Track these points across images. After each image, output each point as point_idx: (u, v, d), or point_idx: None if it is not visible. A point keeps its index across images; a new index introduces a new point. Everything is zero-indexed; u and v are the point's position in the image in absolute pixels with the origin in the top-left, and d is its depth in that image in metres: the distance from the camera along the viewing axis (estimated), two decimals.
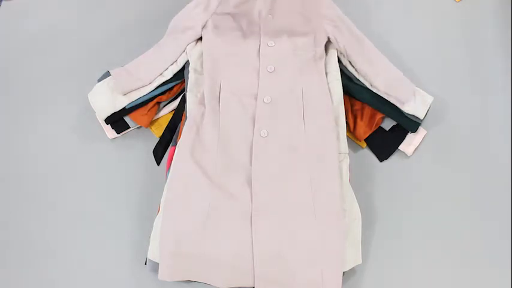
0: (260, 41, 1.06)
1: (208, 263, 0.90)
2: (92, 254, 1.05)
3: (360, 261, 0.94)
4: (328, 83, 1.06)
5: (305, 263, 0.90)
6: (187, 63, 1.07)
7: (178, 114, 1.11)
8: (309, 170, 0.95)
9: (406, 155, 1.13)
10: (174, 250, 0.90)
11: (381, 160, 1.13)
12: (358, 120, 1.11)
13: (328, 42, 1.12)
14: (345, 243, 0.93)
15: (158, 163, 1.12)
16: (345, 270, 0.93)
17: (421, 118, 1.07)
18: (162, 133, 1.12)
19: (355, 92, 1.09)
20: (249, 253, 0.90)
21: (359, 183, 1.07)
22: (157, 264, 0.94)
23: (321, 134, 0.98)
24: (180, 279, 0.91)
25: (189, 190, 0.94)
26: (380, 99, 1.08)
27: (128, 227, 1.07)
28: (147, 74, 1.08)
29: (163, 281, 1.01)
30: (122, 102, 1.08)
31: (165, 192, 0.97)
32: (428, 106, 1.08)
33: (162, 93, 1.11)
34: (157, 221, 0.96)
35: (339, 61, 1.08)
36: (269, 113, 1.00)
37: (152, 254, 0.94)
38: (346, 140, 1.02)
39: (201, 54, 1.04)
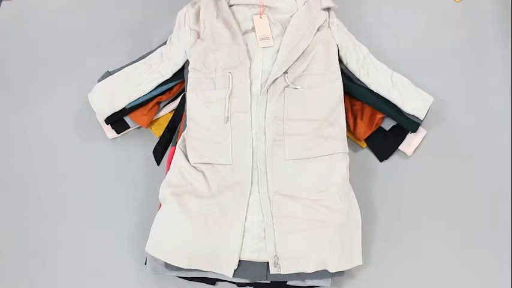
0: None
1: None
2: (92, 254, 1.05)
3: (361, 262, 0.94)
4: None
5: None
6: (187, 63, 1.07)
7: (178, 114, 1.11)
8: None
9: (406, 155, 1.13)
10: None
11: (381, 160, 1.13)
12: (358, 120, 1.11)
13: None
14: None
15: (158, 163, 1.12)
16: (344, 270, 0.93)
17: (421, 118, 1.07)
18: (162, 133, 1.12)
19: (355, 92, 1.09)
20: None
21: (359, 183, 1.07)
22: (157, 264, 0.94)
23: None
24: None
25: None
26: (380, 99, 1.08)
27: (127, 227, 1.07)
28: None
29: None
30: (122, 103, 1.08)
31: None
32: (429, 106, 1.08)
33: (162, 93, 1.11)
34: (159, 216, 0.96)
35: (339, 61, 1.07)
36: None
37: (151, 248, 0.94)
38: (346, 140, 1.02)
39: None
